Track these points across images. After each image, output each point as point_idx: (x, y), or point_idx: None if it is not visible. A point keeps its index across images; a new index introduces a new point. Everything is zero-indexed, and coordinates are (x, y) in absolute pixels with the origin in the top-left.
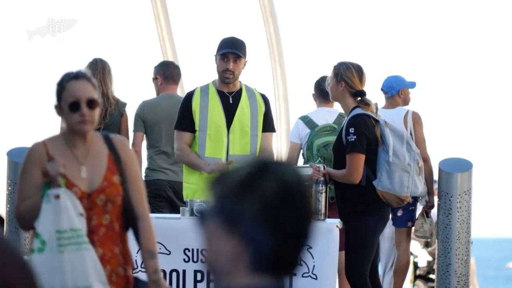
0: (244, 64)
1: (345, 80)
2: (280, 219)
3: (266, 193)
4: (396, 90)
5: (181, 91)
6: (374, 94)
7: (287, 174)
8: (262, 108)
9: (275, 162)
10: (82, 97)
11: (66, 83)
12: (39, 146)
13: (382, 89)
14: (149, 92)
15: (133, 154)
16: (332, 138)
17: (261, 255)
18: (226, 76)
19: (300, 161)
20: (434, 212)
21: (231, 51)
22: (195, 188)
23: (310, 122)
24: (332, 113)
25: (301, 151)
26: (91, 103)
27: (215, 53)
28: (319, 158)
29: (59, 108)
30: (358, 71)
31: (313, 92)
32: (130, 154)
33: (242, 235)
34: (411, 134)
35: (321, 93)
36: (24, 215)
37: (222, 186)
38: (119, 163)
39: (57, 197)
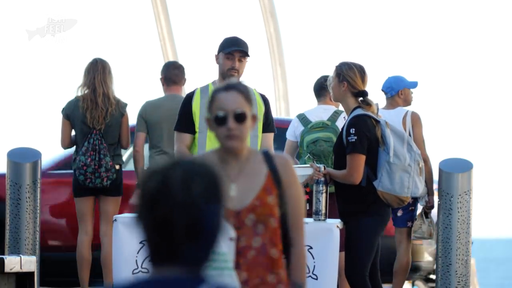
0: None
1: (347, 80)
2: (157, 216)
3: (148, 192)
4: (396, 91)
5: (183, 91)
6: (376, 94)
7: (172, 174)
8: (261, 109)
9: (170, 162)
10: (230, 110)
11: (215, 94)
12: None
13: (382, 90)
14: (150, 92)
15: (296, 175)
16: (323, 134)
17: (154, 250)
18: (231, 74)
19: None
20: (434, 212)
21: (238, 49)
22: None
23: (305, 119)
24: (327, 110)
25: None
26: (240, 117)
27: (217, 53)
28: (308, 154)
29: (209, 122)
30: (361, 71)
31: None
32: (293, 175)
33: (141, 232)
34: (409, 134)
35: (318, 91)
36: None
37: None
38: (278, 183)
39: None
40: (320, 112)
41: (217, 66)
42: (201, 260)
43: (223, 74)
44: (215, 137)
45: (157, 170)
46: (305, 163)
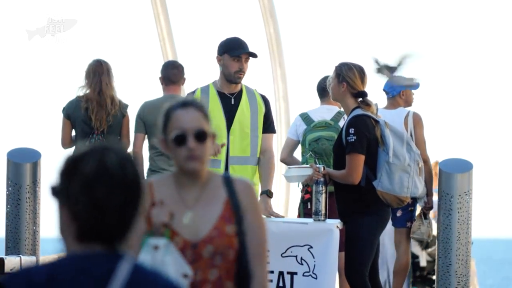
0: None
1: (347, 81)
2: (97, 196)
3: (85, 174)
4: (397, 91)
5: (182, 91)
6: (375, 95)
7: (107, 157)
8: (262, 109)
9: (99, 147)
10: (189, 129)
11: (171, 112)
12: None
13: (383, 90)
14: (150, 93)
15: (257, 201)
16: (325, 133)
17: (82, 227)
18: (238, 76)
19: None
20: (434, 210)
21: (247, 51)
22: None
23: (308, 118)
24: (331, 110)
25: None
26: (201, 136)
27: (220, 54)
28: (310, 152)
29: (164, 143)
30: (360, 72)
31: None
32: (253, 202)
33: (69, 210)
34: (411, 135)
35: (322, 92)
36: None
37: (58, 168)
38: (237, 211)
39: (156, 248)
40: (323, 112)
41: (217, 66)
42: (124, 238)
43: (230, 76)
44: (173, 159)
45: (89, 153)
46: (307, 162)
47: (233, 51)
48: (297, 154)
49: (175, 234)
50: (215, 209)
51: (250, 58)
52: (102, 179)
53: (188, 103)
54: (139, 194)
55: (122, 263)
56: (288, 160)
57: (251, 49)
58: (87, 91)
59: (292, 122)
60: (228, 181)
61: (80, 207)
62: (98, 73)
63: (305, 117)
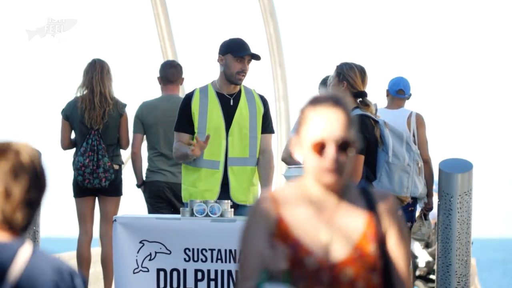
0: None
1: (348, 80)
2: (12, 191)
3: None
4: (409, 93)
5: (181, 91)
6: (374, 95)
7: (22, 155)
8: (261, 110)
9: (10, 143)
10: (330, 137)
11: (308, 110)
12: (265, 200)
13: (401, 89)
14: (150, 93)
15: (399, 218)
16: None
17: None
18: (240, 77)
19: None
20: (434, 212)
21: (251, 53)
22: (192, 190)
23: None
24: None
25: None
26: (344, 145)
27: (222, 54)
28: None
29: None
30: (361, 72)
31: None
32: (395, 218)
33: None
34: (414, 135)
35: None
36: None
37: None
38: (379, 228)
39: None
40: None
41: (217, 66)
42: (28, 226)
43: (231, 76)
44: (305, 165)
45: (4, 149)
46: None
47: (237, 52)
48: None
49: (308, 253)
50: (356, 224)
51: (252, 60)
52: (19, 172)
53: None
54: (42, 186)
55: (23, 250)
56: (288, 159)
57: (253, 51)
58: (85, 92)
59: (296, 121)
60: (366, 192)
61: None
62: (91, 71)
63: None
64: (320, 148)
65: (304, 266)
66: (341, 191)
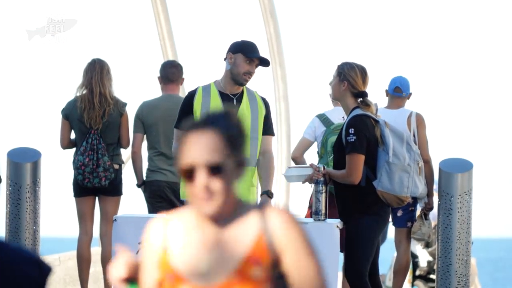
0: None
1: (348, 80)
2: None
3: None
4: (408, 92)
5: (182, 90)
6: (375, 95)
7: None
8: (262, 112)
9: None
10: (198, 162)
11: (183, 135)
12: (155, 223)
13: (397, 87)
14: (150, 92)
15: (302, 235)
16: None
17: None
18: (246, 78)
19: (315, 159)
20: (434, 212)
21: (261, 57)
22: None
23: (326, 120)
24: None
25: (316, 149)
26: (216, 169)
27: (233, 52)
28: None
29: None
30: (362, 71)
31: (330, 93)
32: (292, 236)
33: None
34: (414, 135)
35: None
36: None
37: None
38: (271, 249)
39: None
40: (340, 113)
41: (220, 66)
42: None
43: (238, 76)
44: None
45: None
46: (327, 164)
47: (249, 53)
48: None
49: (182, 280)
50: (238, 250)
51: (259, 65)
52: None
53: (207, 122)
54: None
55: None
56: (299, 159)
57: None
58: (84, 92)
59: (310, 123)
60: (260, 212)
61: None
62: (90, 71)
63: (324, 119)
64: (189, 174)
65: None
66: (229, 214)
